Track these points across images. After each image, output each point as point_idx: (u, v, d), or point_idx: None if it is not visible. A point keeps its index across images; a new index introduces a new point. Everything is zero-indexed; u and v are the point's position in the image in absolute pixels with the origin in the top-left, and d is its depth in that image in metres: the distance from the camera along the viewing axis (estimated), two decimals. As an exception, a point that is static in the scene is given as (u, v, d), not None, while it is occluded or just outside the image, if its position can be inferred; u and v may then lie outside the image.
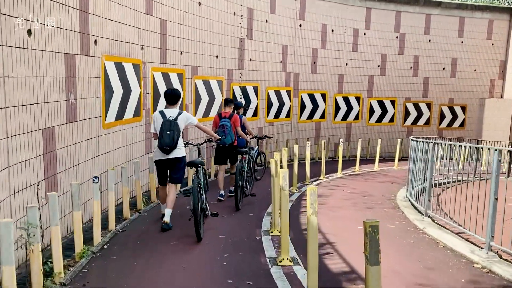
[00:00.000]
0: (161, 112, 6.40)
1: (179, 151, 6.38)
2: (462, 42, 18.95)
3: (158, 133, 6.29)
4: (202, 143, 7.88)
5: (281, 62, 14.45)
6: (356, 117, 17.47)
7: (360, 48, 17.03)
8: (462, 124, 19.76)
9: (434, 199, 7.79)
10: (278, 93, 14.54)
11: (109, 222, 6.25)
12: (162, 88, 9.44)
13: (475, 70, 19.31)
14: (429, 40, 18.44)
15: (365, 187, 10.64)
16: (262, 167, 11.62)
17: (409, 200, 8.55)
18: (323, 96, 16.29)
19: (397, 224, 7.13)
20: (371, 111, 17.85)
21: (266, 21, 13.58)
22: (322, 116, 16.39)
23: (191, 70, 10.60)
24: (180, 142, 6.39)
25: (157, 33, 9.03)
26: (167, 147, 6.21)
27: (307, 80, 15.63)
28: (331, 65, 16.31)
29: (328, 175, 12.17)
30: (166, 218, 6.28)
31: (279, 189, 5.42)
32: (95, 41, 6.70)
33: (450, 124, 19.55)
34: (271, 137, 12.21)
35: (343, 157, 15.68)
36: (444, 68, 18.86)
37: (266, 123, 14.28)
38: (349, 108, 17.17)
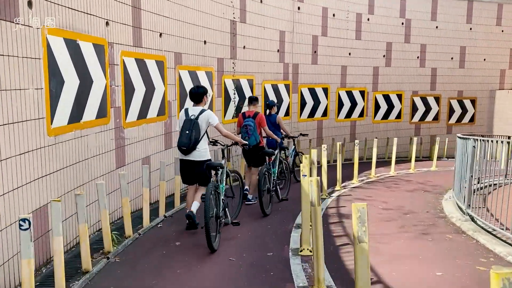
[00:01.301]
0: (186, 110, 6.02)
1: (200, 154, 5.84)
2: (470, 28, 17.17)
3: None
4: (230, 145, 6.77)
5: (278, 51, 12.27)
6: (361, 114, 15.43)
7: (364, 36, 15.01)
8: (472, 119, 17.97)
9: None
10: (275, 88, 12.35)
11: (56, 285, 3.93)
12: (137, 79, 7.11)
13: (484, 60, 17.56)
14: (436, 27, 16.58)
15: (396, 199, 8.55)
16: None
17: (472, 219, 6.48)
18: (325, 90, 14.19)
19: (484, 263, 5.03)
20: (377, 107, 15.84)
21: (261, 1, 11.37)
22: (324, 113, 14.28)
23: (173, 57, 8.31)
24: (202, 144, 5.86)
25: (127, 5, 6.73)
26: (183, 147, 5.75)
27: (307, 73, 13.50)
28: (333, 55, 14.22)
29: (344, 184, 10.04)
30: (193, 208, 5.86)
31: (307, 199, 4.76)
32: (29, 2, 4.37)
33: (459, 119, 17.73)
34: (307, 135, 11.19)
35: (347, 159, 13.65)
36: (452, 58, 17.03)
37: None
38: (353, 103, 15.11)
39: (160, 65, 7.84)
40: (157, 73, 7.74)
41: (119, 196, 6.37)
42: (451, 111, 17.50)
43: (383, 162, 14.02)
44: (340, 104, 14.79)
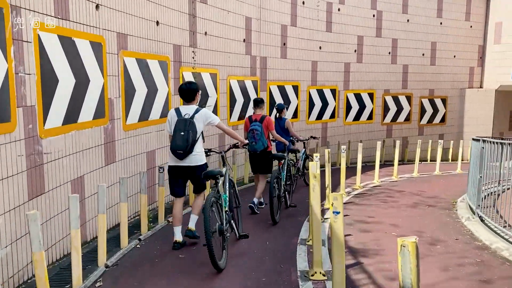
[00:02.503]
0: (177, 110, 5.36)
1: (197, 158, 5.25)
2: (441, 23, 16.18)
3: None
4: (227, 150, 5.97)
5: (244, 41, 10.33)
6: (332, 115, 13.84)
7: (335, 28, 13.44)
8: (443, 119, 16.99)
9: None
10: (242, 85, 10.40)
11: None
12: (62, 65, 4.91)
13: (454, 56, 16.65)
14: (408, 20, 15.40)
15: (405, 220, 6.88)
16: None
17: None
18: (295, 88, 12.43)
19: None
20: (348, 107, 14.33)
21: (224, -22, 9.40)
22: (295, 115, 12.52)
23: (116, 40, 6.14)
24: (198, 146, 5.25)
25: (43, -46, 4.52)
26: (180, 151, 5.10)
27: (276, 68, 11.66)
28: (303, 48, 12.50)
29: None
30: (191, 225, 5.31)
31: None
32: None
33: (431, 120, 16.68)
34: (318, 138, 10.86)
35: (321, 166, 11.93)
36: (423, 54, 15.94)
37: (229, 127, 10.05)
38: (324, 103, 13.48)
39: (97, 48, 5.65)
40: (92, 59, 5.55)
41: (25, 244, 4.15)
42: (423, 111, 16.40)
43: (364, 167, 12.46)
44: (311, 104, 13.10)
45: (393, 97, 15.52)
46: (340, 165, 9.77)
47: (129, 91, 6.53)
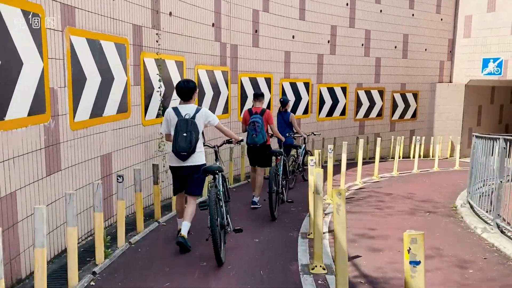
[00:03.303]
0: (175, 109, 5.18)
1: (198, 158, 5.15)
2: (413, 15, 15.61)
3: (172, 134, 5.10)
4: (220, 145, 5.74)
5: (213, 25, 9.06)
6: (305, 111, 12.84)
7: (308, 16, 12.43)
8: (414, 115, 16.48)
9: None
10: (211, 75, 9.14)
11: None
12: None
13: (425, 50, 16.16)
14: (381, 11, 14.67)
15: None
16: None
17: None
18: (268, 81, 11.30)
19: None
20: (321, 102, 13.40)
21: (192, -49, 8.09)
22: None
23: (60, 12, 4.74)
24: (200, 146, 5.16)
25: None
26: (184, 153, 5.01)
27: (247, 57, 10.47)
28: (276, 37, 11.39)
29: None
30: (183, 232, 5.03)
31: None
32: None
33: (402, 115, 16.12)
34: (319, 134, 10.86)
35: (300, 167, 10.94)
36: (396, 47, 15.30)
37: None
38: (298, 98, 12.46)
39: (34, 21, 4.24)
40: (27, 35, 4.14)
41: None
42: (394, 106, 15.79)
43: (336, 166, 11.55)
44: (284, 98, 12.01)
45: (365, 92, 14.78)
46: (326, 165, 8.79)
47: (78, 80, 5.14)
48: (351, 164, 11.56)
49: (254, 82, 10.74)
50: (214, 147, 5.59)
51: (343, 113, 14.10)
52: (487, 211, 6.18)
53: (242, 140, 5.81)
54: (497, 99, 18.00)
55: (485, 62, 15.65)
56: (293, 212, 7.01)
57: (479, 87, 16.64)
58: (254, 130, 6.72)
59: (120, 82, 6.09)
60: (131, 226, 5.92)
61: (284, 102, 8.73)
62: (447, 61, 16.85)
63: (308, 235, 5.68)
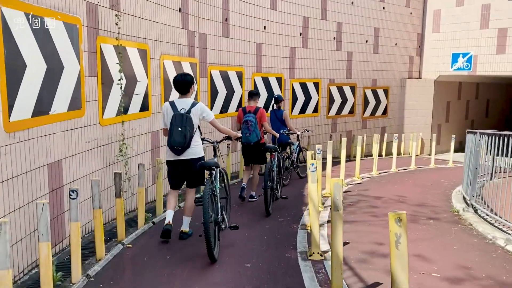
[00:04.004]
0: (172, 103, 5.15)
1: (194, 151, 5.14)
2: (383, 8, 15.09)
3: (168, 128, 5.08)
4: (220, 141, 5.69)
5: (180, 10, 7.94)
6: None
7: (280, 6, 11.53)
8: (385, 111, 16.01)
9: None
10: (179, 68, 8.01)
11: None
12: None
13: (396, 44, 15.71)
14: (352, 3, 14.02)
15: (431, 249, 5.13)
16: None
17: None
18: (239, 75, 10.29)
19: None
20: (294, 98, 12.56)
21: None
22: (239, 106, 10.39)
23: (-15, -27, 3.52)
24: (196, 139, 5.16)
25: None
26: (178, 147, 5.00)
27: (217, 48, 9.41)
28: (247, 27, 10.40)
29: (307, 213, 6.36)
30: (184, 227, 5.30)
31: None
32: None
33: (374, 112, 15.59)
34: (312, 131, 11.03)
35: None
36: (367, 41, 14.72)
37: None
38: (270, 94, 11.53)
39: None
40: None
41: None
42: (366, 102, 15.23)
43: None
44: (257, 94, 11.05)
45: (338, 88, 14.09)
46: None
47: (14, 66, 3.92)
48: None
49: (224, 76, 9.69)
50: (213, 142, 5.51)
51: (315, 110, 13.34)
52: (501, 218, 5.50)
53: (241, 137, 5.91)
54: (464, 95, 17.90)
55: (455, 57, 15.41)
56: (287, 207, 7.01)
57: (448, 83, 16.44)
58: (247, 129, 6.74)
59: (71, 72, 4.88)
60: (88, 251, 4.76)
61: (278, 99, 8.79)
62: (416, 56, 16.50)
63: (310, 255, 4.77)
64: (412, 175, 10.97)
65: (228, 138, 5.77)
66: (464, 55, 15.23)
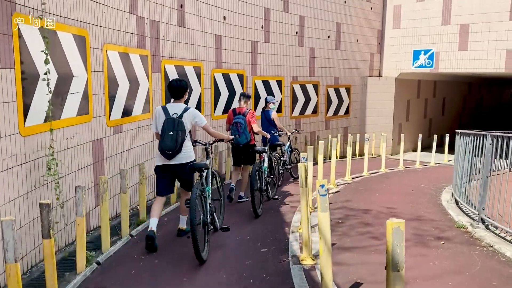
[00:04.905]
0: (164, 108, 5.17)
1: (186, 155, 5.12)
2: (345, 2, 14.29)
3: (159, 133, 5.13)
4: (212, 143, 5.71)
5: (127, -9, 6.47)
6: (240, 108, 10.66)
7: (240, -6, 10.29)
8: (347, 111, 15.24)
9: None
10: (126, 61, 6.53)
11: None
12: None
13: (357, 41, 14.98)
14: (314, -5, 13.06)
15: (438, 279, 4.10)
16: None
17: None
18: (197, 71, 8.92)
19: None
20: (257, 97, 11.37)
21: None
22: (198, 107, 9.01)
23: None
24: (187, 144, 5.15)
25: None
26: (169, 151, 4.99)
27: (172, 39, 8.00)
28: (205, 17, 9.05)
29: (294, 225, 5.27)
30: (182, 225, 5.47)
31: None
32: None
33: (336, 112, 14.76)
34: (302, 131, 11.08)
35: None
36: (329, 37, 13.85)
37: (109, 127, 6.12)
38: (232, 92, 10.26)
39: None
40: None
41: None
42: (329, 102, 14.35)
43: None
44: (217, 94, 9.75)
45: (301, 86, 13.08)
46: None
47: None
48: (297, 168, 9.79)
49: (181, 72, 8.29)
50: (205, 144, 5.54)
51: (279, 110, 12.22)
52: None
53: (233, 139, 6.01)
54: (422, 93, 17.58)
55: (416, 54, 14.91)
56: (278, 208, 6.96)
57: (408, 81, 15.97)
58: (237, 130, 6.77)
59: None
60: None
61: (268, 100, 8.89)
62: (377, 53, 15.89)
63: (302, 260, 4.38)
64: (387, 179, 10.14)
65: (221, 140, 5.73)
66: (426, 51, 14.76)
